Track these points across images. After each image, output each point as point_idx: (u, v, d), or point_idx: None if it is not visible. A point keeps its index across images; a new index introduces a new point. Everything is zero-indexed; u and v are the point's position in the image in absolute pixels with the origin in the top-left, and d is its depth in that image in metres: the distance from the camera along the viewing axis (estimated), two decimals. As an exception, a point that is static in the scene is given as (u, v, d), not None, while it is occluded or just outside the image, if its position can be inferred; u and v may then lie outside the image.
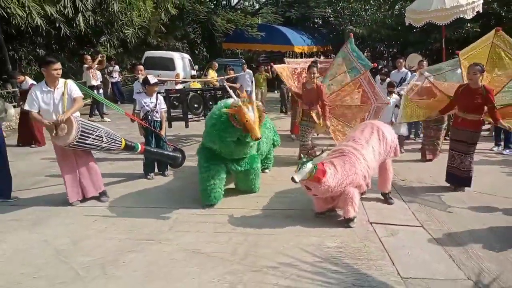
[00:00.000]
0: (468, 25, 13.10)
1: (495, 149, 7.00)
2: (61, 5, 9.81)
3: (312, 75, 5.53)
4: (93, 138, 4.19)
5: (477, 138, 4.86)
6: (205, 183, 4.32)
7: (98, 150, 4.54)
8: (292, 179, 3.57)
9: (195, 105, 7.43)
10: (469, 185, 4.95)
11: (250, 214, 4.24)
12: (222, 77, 9.62)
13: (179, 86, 10.99)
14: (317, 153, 3.92)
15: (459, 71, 5.40)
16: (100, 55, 10.71)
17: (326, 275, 3.07)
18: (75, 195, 4.45)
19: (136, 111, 5.56)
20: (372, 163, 4.08)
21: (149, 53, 13.65)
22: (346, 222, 3.92)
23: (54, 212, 4.28)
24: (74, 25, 10.46)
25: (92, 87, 10.02)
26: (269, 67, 14.23)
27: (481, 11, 7.57)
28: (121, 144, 4.54)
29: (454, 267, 3.22)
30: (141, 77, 6.18)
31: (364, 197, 4.58)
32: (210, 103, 7.92)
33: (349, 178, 3.81)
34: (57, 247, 3.50)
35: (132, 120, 6.17)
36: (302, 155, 4.09)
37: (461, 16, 7.38)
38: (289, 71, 6.65)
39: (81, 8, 10.38)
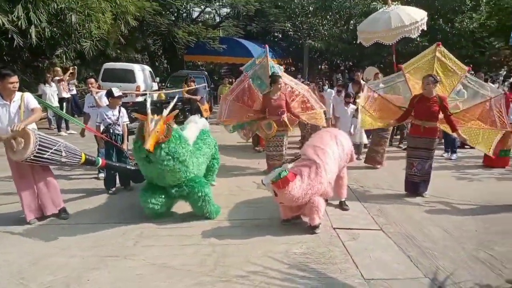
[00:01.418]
0: (418, 39, 14.00)
1: (445, 155, 7.50)
2: (14, 16, 9.40)
3: (279, 86, 5.74)
4: (51, 152, 4.04)
5: (435, 144, 5.24)
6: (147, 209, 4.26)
7: (57, 165, 4.39)
8: (262, 181, 3.79)
9: None
10: (425, 190, 5.25)
11: (217, 225, 4.25)
12: (182, 89, 9.48)
13: (140, 99, 10.83)
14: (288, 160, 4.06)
15: (401, 82, 5.69)
16: (72, 67, 10.52)
17: (294, 281, 3.15)
18: (32, 213, 4.25)
19: (96, 124, 5.43)
20: (334, 170, 4.25)
21: (108, 65, 13.33)
22: (312, 229, 4.04)
23: (11, 231, 4.05)
24: (28, 36, 10.05)
25: (62, 100, 9.88)
26: (234, 79, 14.42)
27: (425, 29, 8.12)
28: (81, 159, 4.42)
29: (412, 267, 3.42)
30: (93, 91, 6.00)
31: (327, 203, 4.74)
32: None
33: (314, 188, 3.93)
34: (17, 268, 3.32)
35: (82, 134, 5.94)
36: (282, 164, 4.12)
37: (406, 36, 7.84)
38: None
39: (35, 21, 10.00)
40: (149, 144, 3.69)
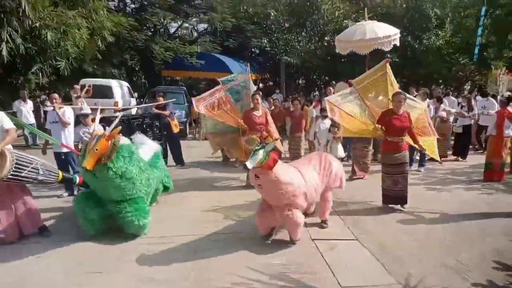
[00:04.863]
0: (388, 55, 14.63)
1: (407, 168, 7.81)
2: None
3: (257, 101, 5.94)
4: (28, 171, 4.06)
5: (407, 158, 5.41)
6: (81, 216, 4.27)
7: (34, 183, 4.39)
8: (244, 166, 3.71)
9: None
10: (406, 202, 5.39)
11: (200, 239, 4.36)
12: (151, 104, 9.41)
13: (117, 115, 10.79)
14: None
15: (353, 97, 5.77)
16: (88, 85, 10.49)
17: (274, 291, 3.30)
18: (11, 233, 4.21)
19: (74, 143, 5.45)
20: (314, 186, 4.33)
21: (85, 81, 13.22)
22: (291, 241, 4.21)
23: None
24: (0, 53, 9.92)
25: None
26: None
27: (398, 44, 8.58)
28: (58, 176, 4.45)
29: (385, 274, 3.62)
30: (56, 106, 5.89)
31: (306, 215, 4.92)
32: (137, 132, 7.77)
33: (298, 186, 4.00)
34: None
35: (44, 152, 5.84)
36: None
37: (379, 48, 8.26)
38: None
39: (5, 38, 9.90)
40: (86, 163, 3.72)
